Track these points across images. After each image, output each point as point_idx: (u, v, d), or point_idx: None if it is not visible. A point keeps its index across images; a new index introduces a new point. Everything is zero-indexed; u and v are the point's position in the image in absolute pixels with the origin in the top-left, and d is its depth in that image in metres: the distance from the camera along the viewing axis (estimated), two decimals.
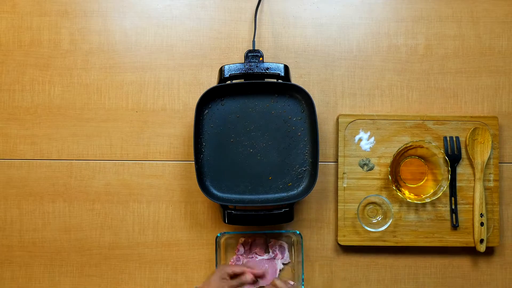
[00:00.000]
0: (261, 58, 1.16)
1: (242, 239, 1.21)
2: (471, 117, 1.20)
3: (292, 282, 1.17)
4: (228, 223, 1.15)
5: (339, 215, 1.19)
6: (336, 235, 1.21)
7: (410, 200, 1.16)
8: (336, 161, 1.21)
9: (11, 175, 1.22)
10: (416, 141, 1.17)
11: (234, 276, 1.08)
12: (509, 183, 1.23)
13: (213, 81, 1.22)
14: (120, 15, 1.23)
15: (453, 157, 1.19)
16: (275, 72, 1.14)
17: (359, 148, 1.20)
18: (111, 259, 1.22)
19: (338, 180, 1.20)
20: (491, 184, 1.20)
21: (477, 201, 1.18)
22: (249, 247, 1.21)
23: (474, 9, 1.24)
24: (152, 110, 1.22)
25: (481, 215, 1.18)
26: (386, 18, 1.24)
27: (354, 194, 1.19)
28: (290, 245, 1.22)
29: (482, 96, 1.24)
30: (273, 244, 1.21)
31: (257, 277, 1.09)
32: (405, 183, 1.20)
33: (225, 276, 1.07)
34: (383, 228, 1.17)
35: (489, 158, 1.19)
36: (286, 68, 1.15)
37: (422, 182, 1.20)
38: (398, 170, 1.20)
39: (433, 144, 1.16)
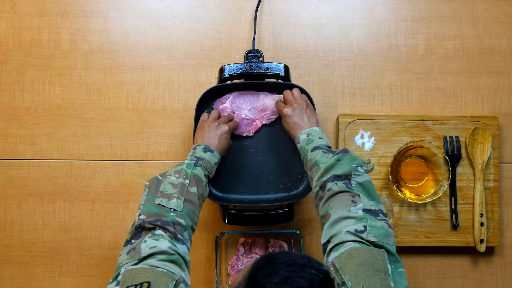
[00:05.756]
0: (261, 58, 1.16)
1: (242, 239, 1.21)
2: (471, 117, 1.20)
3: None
4: (228, 223, 1.15)
5: None
6: None
7: (411, 200, 1.16)
8: None
9: (11, 175, 1.22)
10: (416, 141, 1.17)
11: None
12: (509, 183, 1.23)
13: (213, 81, 1.22)
14: (120, 15, 1.23)
15: (453, 157, 1.19)
16: (275, 72, 1.14)
17: (359, 148, 1.20)
18: (111, 259, 1.22)
19: None
20: (491, 184, 1.20)
21: (477, 201, 1.18)
22: (249, 247, 1.21)
23: (474, 9, 1.24)
24: (152, 110, 1.22)
25: (481, 215, 1.18)
26: (386, 18, 1.24)
27: None
28: (290, 245, 1.21)
29: (482, 96, 1.24)
30: (273, 244, 1.21)
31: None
32: (405, 183, 1.20)
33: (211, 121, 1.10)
34: None
35: (489, 158, 1.19)
36: (286, 68, 1.15)
37: (422, 182, 1.20)
38: (398, 170, 1.20)
39: (433, 144, 1.16)
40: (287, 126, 1.08)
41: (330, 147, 0.99)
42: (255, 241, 1.21)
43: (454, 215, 1.19)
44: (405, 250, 1.21)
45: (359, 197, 0.87)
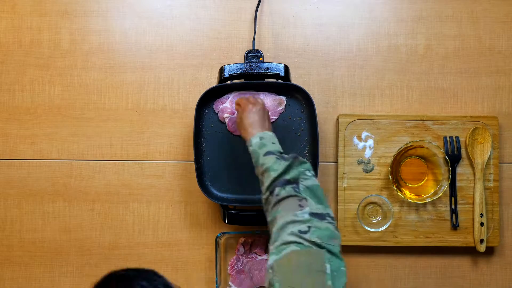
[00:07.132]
0: (261, 58, 1.16)
1: (242, 239, 1.21)
2: (471, 117, 1.20)
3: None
4: (228, 223, 1.15)
5: (339, 215, 1.19)
6: None
7: (411, 200, 1.16)
8: (336, 161, 1.21)
9: (11, 175, 1.22)
10: (416, 141, 1.17)
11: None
12: (509, 183, 1.23)
13: (213, 81, 1.22)
14: (120, 15, 1.23)
15: (453, 157, 1.19)
16: (275, 72, 1.14)
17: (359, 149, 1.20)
18: (111, 259, 1.22)
19: (338, 180, 1.20)
20: (491, 184, 1.20)
21: (477, 201, 1.18)
22: (249, 247, 1.21)
23: (474, 9, 1.24)
24: (152, 110, 1.22)
25: (481, 215, 1.18)
26: (386, 18, 1.24)
27: (354, 194, 1.19)
28: None
29: (482, 96, 1.24)
30: None
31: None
32: (405, 183, 1.20)
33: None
34: (383, 228, 1.17)
35: (489, 158, 1.19)
36: (286, 68, 1.15)
37: (422, 182, 1.20)
38: (398, 170, 1.20)
39: (433, 144, 1.16)
40: (239, 127, 1.05)
41: (282, 153, 0.98)
42: (255, 241, 1.21)
43: (454, 215, 1.19)
44: (405, 250, 1.21)
45: (306, 201, 0.87)
